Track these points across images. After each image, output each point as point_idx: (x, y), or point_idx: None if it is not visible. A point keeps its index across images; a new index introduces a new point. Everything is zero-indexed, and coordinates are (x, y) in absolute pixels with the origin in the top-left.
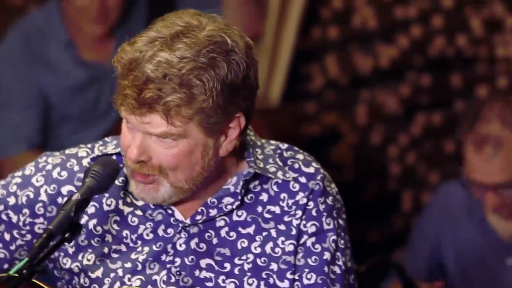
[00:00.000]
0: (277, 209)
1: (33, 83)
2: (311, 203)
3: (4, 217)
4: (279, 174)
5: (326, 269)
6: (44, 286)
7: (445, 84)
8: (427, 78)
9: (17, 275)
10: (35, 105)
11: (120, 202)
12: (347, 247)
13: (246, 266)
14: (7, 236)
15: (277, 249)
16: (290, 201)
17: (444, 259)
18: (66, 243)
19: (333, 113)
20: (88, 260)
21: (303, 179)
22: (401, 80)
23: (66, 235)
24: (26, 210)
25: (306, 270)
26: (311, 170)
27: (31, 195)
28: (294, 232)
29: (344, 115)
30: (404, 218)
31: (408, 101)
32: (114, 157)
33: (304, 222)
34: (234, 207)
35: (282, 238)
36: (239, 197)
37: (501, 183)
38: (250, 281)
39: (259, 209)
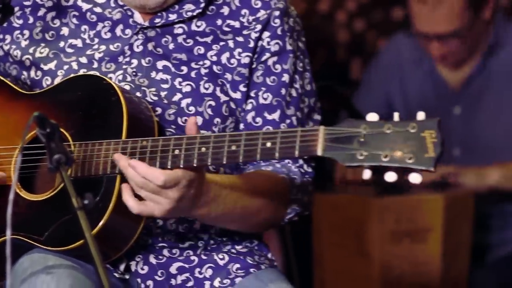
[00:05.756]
0: (236, 24)
1: None
2: (277, 21)
3: None
4: None
5: (283, 91)
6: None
7: None
8: None
9: None
10: None
11: None
12: (306, 69)
13: (203, 71)
14: None
15: (232, 60)
16: (251, 18)
17: (393, 108)
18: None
19: None
20: (41, 53)
21: None
22: None
23: None
24: None
25: (263, 89)
26: None
27: None
28: (251, 44)
29: None
30: (352, 86)
31: None
32: None
33: (268, 39)
34: (194, 14)
35: (239, 50)
36: (201, 6)
37: (445, 33)
38: (206, 85)
39: (219, 22)
